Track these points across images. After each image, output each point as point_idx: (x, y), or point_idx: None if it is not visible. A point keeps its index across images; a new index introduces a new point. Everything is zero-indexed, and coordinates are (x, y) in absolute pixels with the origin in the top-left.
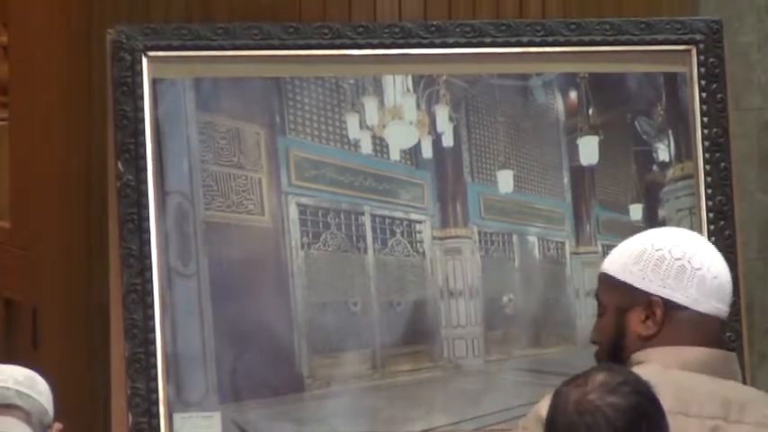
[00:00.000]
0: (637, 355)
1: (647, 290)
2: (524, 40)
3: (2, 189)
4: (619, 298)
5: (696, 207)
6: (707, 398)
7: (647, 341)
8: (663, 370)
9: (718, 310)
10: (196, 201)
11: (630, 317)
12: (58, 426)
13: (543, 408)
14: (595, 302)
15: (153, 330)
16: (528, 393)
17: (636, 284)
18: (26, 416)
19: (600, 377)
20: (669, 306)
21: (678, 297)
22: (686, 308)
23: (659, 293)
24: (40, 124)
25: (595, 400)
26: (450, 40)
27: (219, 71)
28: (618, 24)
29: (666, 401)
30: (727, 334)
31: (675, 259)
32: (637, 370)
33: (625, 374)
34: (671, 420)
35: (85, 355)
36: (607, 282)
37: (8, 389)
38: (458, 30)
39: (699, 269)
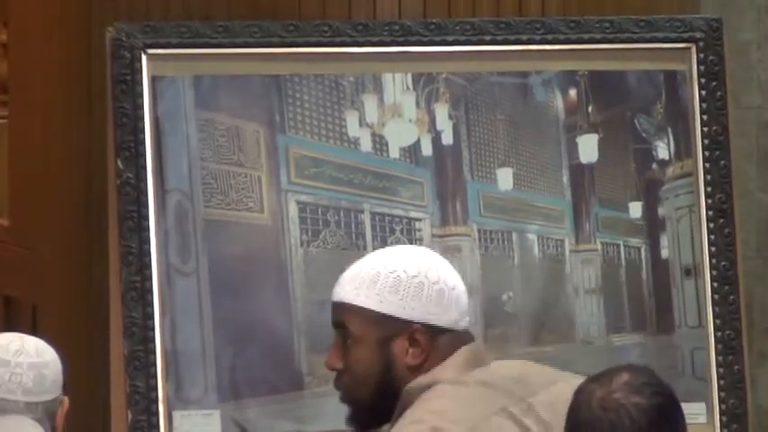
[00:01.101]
0: (418, 381)
1: (410, 318)
2: (524, 37)
3: (1, 186)
4: (378, 330)
5: (695, 205)
6: (505, 389)
7: (418, 369)
8: (453, 387)
9: (468, 323)
10: (196, 198)
11: (395, 347)
12: (65, 403)
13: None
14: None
15: (152, 328)
16: None
17: (396, 314)
18: (37, 419)
19: (624, 377)
20: (433, 331)
21: (442, 321)
22: (448, 329)
23: (422, 321)
24: (39, 122)
25: (620, 398)
26: (450, 38)
27: (219, 69)
28: (618, 22)
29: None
30: (727, 332)
31: (433, 283)
32: (432, 394)
33: (648, 375)
34: (498, 424)
35: (85, 352)
36: (359, 314)
37: (17, 402)
38: (457, 27)
39: (453, 289)
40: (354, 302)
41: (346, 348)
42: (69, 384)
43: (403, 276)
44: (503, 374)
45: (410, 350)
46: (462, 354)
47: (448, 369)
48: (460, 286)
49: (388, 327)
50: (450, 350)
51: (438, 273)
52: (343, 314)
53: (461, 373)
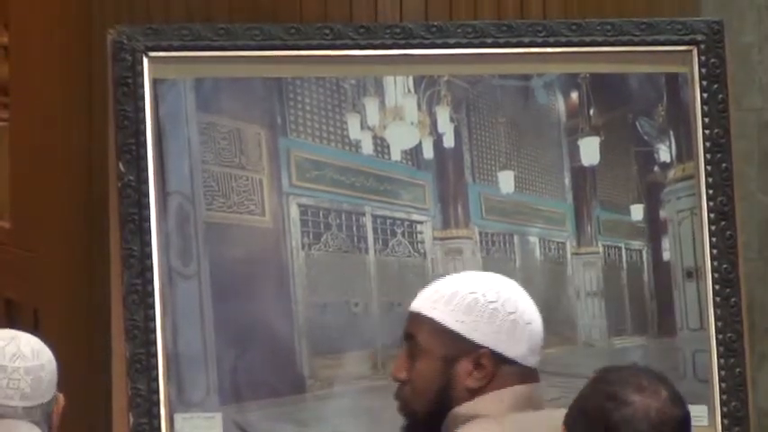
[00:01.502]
0: (465, 408)
1: (479, 342)
2: (525, 40)
3: (3, 189)
4: (445, 346)
5: (697, 207)
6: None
7: (475, 393)
8: (498, 425)
9: (537, 362)
10: (197, 201)
11: (459, 367)
12: (60, 400)
13: None
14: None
15: (154, 331)
16: None
17: (466, 335)
18: (34, 422)
19: (663, 389)
20: (499, 359)
21: (510, 352)
22: (514, 362)
23: (491, 346)
24: (40, 125)
25: (669, 411)
26: (452, 41)
27: (220, 71)
28: (619, 25)
29: None
30: (728, 334)
31: (509, 312)
32: (471, 427)
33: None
34: None
35: (86, 355)
36: (430, 326)
37: (15, 408)
38: (459, 30)
39: (529, 323)
40: (428, 314)
41: (412, 360)
42: (71, 387)
43: (480, 299)
44: (547, 425)
45: (474, 372)
46: (516, 392)
47: (494, 403)
48: (537, 324)
49: (456, 346)
50: (509, 383)
51: (516, 304)
52: (415, 325)
53: (507, 411)
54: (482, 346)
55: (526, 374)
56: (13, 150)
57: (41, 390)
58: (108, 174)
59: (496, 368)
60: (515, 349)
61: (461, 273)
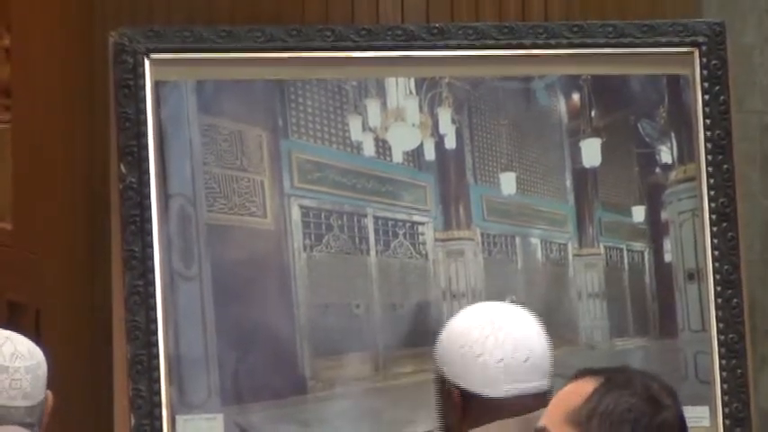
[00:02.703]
0: None
1: (448, 379)
2: (527, 42)
3: (4, 191)
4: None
5: (699, 209)
6: None
7: (463, 426)
8: None
9: (516, 389)
10: (198, 203)
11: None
12: (50, 398)
13: None
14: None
15: (155, 332)
16: None
17: (442, 374)
18: (32, 423)
19: (668, 399)
20: (466, 394)
21: (469, 386)
22: (478, 394)
23: (455, 383)
24: (42, 126)
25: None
26: (453, 43)
27: (222, 74)
28: (620, 27)
29: None
30: (730, 336)
31: (459, 347)
32: None
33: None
34: None
35: (88, 357)
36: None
37: (18, 408)
38: (460, 32)
39: (480, 355)
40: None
41: None
42: (72, 388)
43: (452, 336)
44: None
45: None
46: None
47: None
48: (510, 358)
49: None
50: (485, 416)
51: (484, 346)
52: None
53: None
54: (451, 383)
55: (507, 408)
56: (15, 152)
57: (39, 388)
58: (109, 175)
59: (466, 403)
60: (471, 383)
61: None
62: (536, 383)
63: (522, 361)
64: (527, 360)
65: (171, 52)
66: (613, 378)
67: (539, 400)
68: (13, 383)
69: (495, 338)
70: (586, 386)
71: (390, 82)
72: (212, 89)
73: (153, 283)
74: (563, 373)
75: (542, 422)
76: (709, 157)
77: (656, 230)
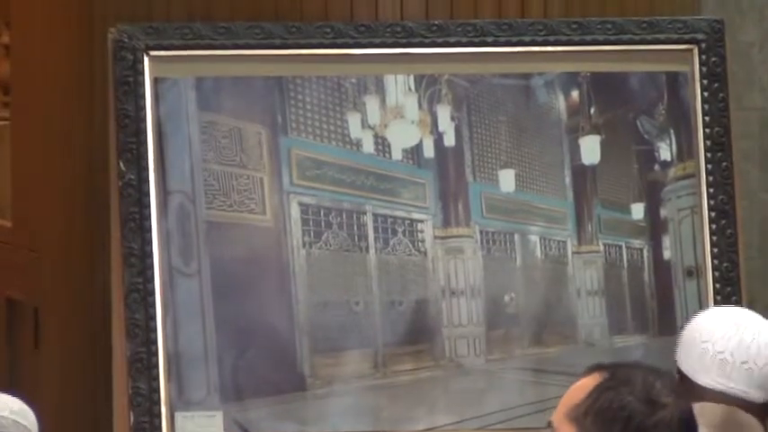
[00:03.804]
0: None
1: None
2: (526, 39)
3: (4, 188)
4: None
5: (698, 206)
6: None
7: None
8: None
9: (722, 386)
10: (198, 200)
11: None
12: None
13: None
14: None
15: (154, 330)
16: (530, 393)
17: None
18: None
19: (667, 393)
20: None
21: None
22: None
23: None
24: (41, 124)
25: (689, 414)
26: (452, 40)
27: (221, 70)
28: (620, 24)
29: None
30: None
31: (702, 342)
32: None
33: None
34: None
35: (87, 354)
36: None
37: (5, 417)
38: (459, 29)
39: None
40: None
41: None
42: (71, 386)
43: None
44: None
45: None
46: None
47: None
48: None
49: None
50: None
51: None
52: None
53: None
54: None
55: None
56: (15, 149)
57: (29, 419)
58: (109, 173)
59: None
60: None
61: None
62: (744, 388)
63: (741, 362)
64: (744, 363)
65: (170, 49)
66: (616, 375)
67: (745, 406)
68: None
69: (741, 339)
70: (590, 382)
71: (389, 79)
72: (211, 86)
73: (152, 281)
74: (564, 371)
75: (551, 417)
76: (709, 155)
77: (655, 228)
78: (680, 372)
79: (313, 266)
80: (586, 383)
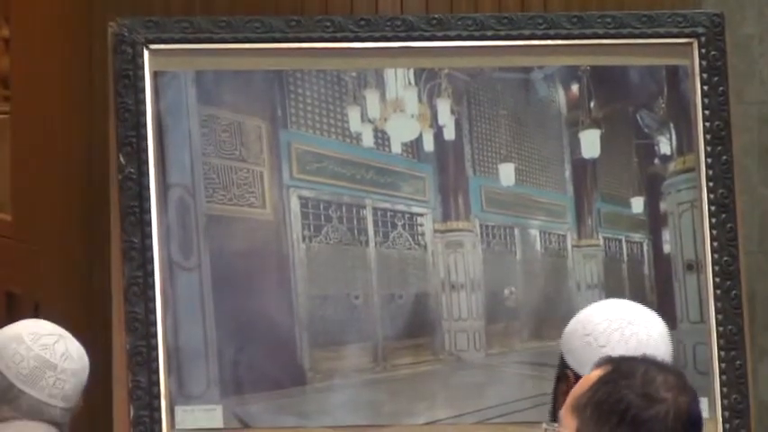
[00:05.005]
0: None
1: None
2: (526, 33)
3: (3, 182)
4: None
5: (698, 200)
6: None
7: None
8: None
9: None
10: (198, 194)
11: None
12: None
13: None
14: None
15: (154, 323)
16: (529, 386)
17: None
18: (60, 425)
19: (687, 386)
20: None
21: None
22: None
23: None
24: (41, 117)
25: (695, 410)
26: (452, 34)
27: (221, 64)
28: (620, 17)
29: None
30: (729, 327)
31: (584, 335)
32: None
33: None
34: None
35: (87, 348)
36: None
37: (55, 408)
38: (459, 23)
39: (603, 347)
40: None
41: None
42: None
43: None
44: None
45: None
46: None
47: None
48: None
49: None
50: None
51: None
52: None
53: None
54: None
55: None
56: (14, 143)
57: (78, 393)
58: (109, 166)
59: None
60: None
61: None
62: None
63: None
64: None
65: (170, 43)
66: (619, 368)
67: None
68: (57, 383)
69: (621, 334)
70: (595, 374)
71: (389, 73)
72: (211, 80)
73: (152, 274)
74: None
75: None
76: (708, 148)
77: (655, 221)
78: (565, 365)
79: (313, 260)
80: (592, 375)
